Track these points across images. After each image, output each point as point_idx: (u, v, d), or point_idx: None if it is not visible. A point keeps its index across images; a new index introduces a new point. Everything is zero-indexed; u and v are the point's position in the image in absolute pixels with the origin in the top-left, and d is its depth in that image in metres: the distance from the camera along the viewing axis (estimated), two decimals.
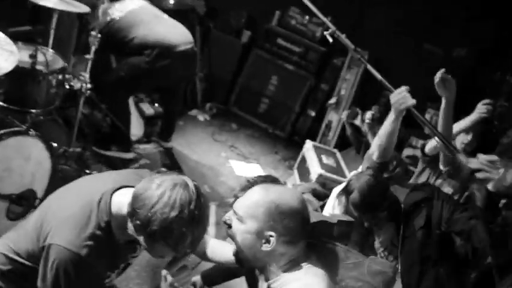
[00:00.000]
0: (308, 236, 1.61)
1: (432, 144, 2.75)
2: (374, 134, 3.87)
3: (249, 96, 5.57)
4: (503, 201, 2.27)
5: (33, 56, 2.88)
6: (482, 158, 2.15)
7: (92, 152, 3.81)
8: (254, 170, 4.64)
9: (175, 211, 1.45)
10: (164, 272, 1.82)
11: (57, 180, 2.72)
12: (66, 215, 1.60)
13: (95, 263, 1.57)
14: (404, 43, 4.97)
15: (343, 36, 2.40)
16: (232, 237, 1.57)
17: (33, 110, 2.99)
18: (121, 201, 1.60)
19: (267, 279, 1.60)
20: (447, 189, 2.71)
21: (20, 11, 3.61)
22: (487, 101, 2.81)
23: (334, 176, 4.20)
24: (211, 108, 5.46)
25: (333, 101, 5.11)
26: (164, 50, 3.63)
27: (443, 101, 2.48)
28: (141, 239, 1.53)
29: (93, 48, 3.29)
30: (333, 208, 3.04)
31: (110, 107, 3.79)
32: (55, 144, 3.05)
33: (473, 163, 2.20)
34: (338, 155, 4.71)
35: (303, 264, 1.56)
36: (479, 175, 2.16)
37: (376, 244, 2.54)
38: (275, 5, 5.42)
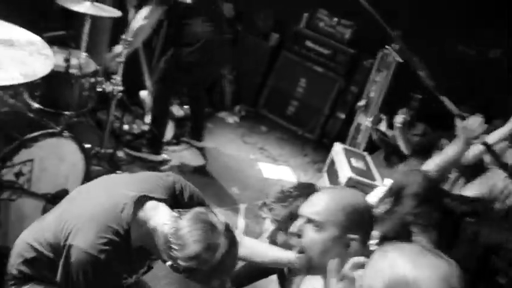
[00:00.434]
0: None
1: (473, 151, 2.62)
2: (406, 140, 3.81)
3: (278, 99, 5.57)
4: None
5: (67, 60, 2.94)
6: None
7: (124, 154, 3.87)
8: (283, 172, 4.63)
9: (201, 263, 1.52)
10: None
11: (90, 180, 2.76)
12: (88, 218, 1.66)
13: (112, 267, 1.63)
14: (438, 44, 4.88)
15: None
16: (306, 247, 1.55)
17: (67, 113, 3.05)
18: (147, 216, 1.66)
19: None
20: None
21: (54, 16, 3.70)
22: None
23: (364, 180, 4.14)
24: (240, 110, 5.48)
25: (362, 103, 5.04)
26: (207, 43, 3.70)
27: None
28: (168, 264, 1.59)
29: (125, 52, 3.34)
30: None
31: (152, 107, 3.89)
32: (88, 146, 3.11)
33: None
34: (368, 158, 4.65)
35: None
36: None
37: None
38: (303, 7, 5.41)
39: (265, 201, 1.66)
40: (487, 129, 2.41)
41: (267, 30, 5.54)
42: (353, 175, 4.14)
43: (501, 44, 4.83)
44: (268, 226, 2.14)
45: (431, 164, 2.38)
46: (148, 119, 4.21)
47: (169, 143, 4.32)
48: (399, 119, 3.85)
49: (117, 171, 3.54)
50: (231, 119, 5.30)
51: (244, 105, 5.55)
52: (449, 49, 4.95)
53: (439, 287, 1.05)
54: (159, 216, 1.65)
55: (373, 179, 4.22)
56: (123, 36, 3.37)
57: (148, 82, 4.31)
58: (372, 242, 1.66)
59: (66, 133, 2.51)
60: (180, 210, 1.65)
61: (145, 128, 4.18)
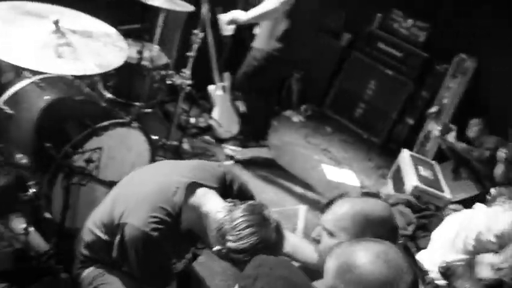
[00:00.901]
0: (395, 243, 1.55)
1: None
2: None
3: (345, 100, 5.46)
4: None
5: (140, 52, 3.02)
6: None
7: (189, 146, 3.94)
8: (346, 175, 4.53)
9: (254, 254, 1.51)
10: None
11: None
12: (141, 198, 1.76)
13: (162, 245, 1.71)
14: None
15: None
16: (322, 253, 1.58)
17: (137, 103, 3.14)
18: (199, 201, 1.73)
19: None
20: None
21: (130, 10, 3.81)
22: None
23: (431, 190, 3.99)
24: (306, 109, 5.42)
25: (433, 110, 4.85)
26: (291, 39, 3.70)
27: None
28: (217, 250, 1.64)
29: (195, 47, 3.39)
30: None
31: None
32: (155, 137, 3.18)
33: None
34: (436, 167, 4.47)
35: None
36: None
37: None
38: (376, 8, 5.27)
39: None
40: None
41: (338, 29, 5.43)
42: (419, 184, 4.00)
43: None
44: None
45: None
46: (215, 113, 4.26)
47: (235, 138, 4.34)
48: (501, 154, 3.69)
49: None
50: (296, 118, 5.26)
51: (310, 105, 5.48)
52: None
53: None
54: (212, 203, 1.72)
55: (441, 189, 4.05)
56: (195, 31, 3.41)
57: (216, 77, 4.35)
58: None
59: (134, 124, 2.57)
60: (234, 200, 1.71)
61: (212, 122, 4.23)
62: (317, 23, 4.09)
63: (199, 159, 3.80)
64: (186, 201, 1.74)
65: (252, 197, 1.96)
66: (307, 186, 4.14)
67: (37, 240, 2.55)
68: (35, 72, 2.56)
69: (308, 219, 3.62)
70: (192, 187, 1.77)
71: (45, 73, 2.58)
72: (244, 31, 4.29)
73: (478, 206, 3.16)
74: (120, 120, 2.54)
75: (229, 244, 1.59)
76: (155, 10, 3.22)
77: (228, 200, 1.73)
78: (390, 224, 1.55)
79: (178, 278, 1.90)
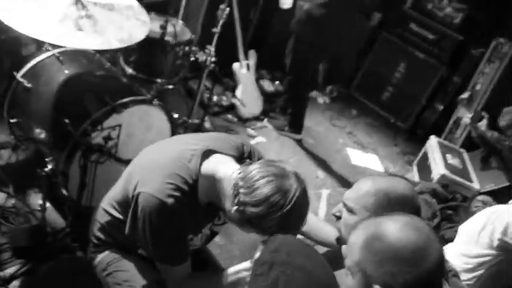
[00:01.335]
0: None
1: None
2: None
3: (373, 82, 5.27)
4: None
5: (163, 27, 2.93)
6: None
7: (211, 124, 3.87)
8: (371, 160, 4.41)
9: (272, 206, 1.45)
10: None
11: None
12: (155, 166, 1.65)
13: (179, 213, 1.58)
14: None
15: None
16: (341, 229, 1.57)
17: (159, 80, 3.05)
18: (214, 167, 1.62)
19: None
20: None
21: None
22: None
23: (459, 179, 3.85)
24: (331, 91, 5.26)
25: (465, 95, 4.65)
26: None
27: None
28: (233, 213, 1.53)
29: (220, 22, 3.28)
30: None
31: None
32: (176, 115, 3.11)
33: None
34: (465, 155, 4.30)
35: None
36: None
37: None
38: None
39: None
40: None
41: (372, 7, 5.21)
42: (447, 172, 3.86)
43: None
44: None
45: None
46: (239, 92, 4.16)
47: (257, 119, 4.26)
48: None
49: None
50: (321, 99, 5.11)
51: (336, 86, 5.32)
52: None
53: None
54: (227, 166, 1.61)
55: (469, 179, 3.91)
56: (221, 7, 3.29)
57: (241, 55, 4.24)
58: None
59: (155, 101, 2.50)
60: (249, 160, 1.63)
61: (235, 101, 4.14)
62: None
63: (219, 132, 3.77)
64: (201, 168, 1.63)
65: None
66: (330, 170, 4.02)
67: (53, 216, 2.54)
68: (55, 46, 2.49)
69: (330, 204, 3.53)
70: (207, 153, 1.66)
71: (66, 46, 2.50)
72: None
73: None
74: (141, 98, 2.47)
75: (243, 198, 1.47)
76: None
77: (246, 161, 1.64)
78: (412, 203, 1.50)
79: (194, 257, 1.76)
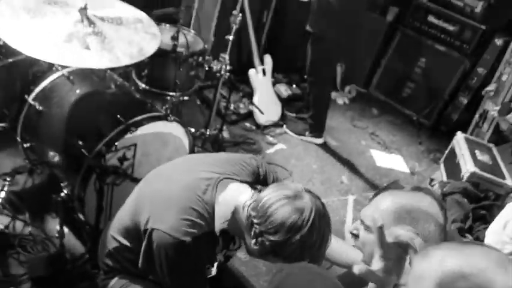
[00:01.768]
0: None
1: None
2: None
3: (393, 80, 5.11)
4: None
5: (174, 38, 2.84)
6: None
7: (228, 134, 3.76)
8: (396, 161, 4.25)
9: (290, 229, 1.38)
10: None
11: None
12: (167, 199, 1.55)
13: (198, 251, 1.51)
14: None
15: None
16: (361, 249, 1.43)
17: (173, 93, 2.96)
18: (231, 198, 1.54)
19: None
20: None
21: None
22: None
23: (491, 176, 3.66)
24: (350, 91, 5.13)
25: (491, 87, 4.46)
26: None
27: None
28: (253, 246, 1.46)
29: (234, 28, 3.18)
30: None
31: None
32: (193, 130, 3.01)
33: None
34: (494, 150, 4.12)
35: None
36: None
37: None
38: None
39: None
40: None
41: (385, 3, 5.06)
42: (477, 170, 3.68)
43: None
44: None
45: None
46: (256, 98, 4.05)
47: (276, 125, 4.14)
48: None
49: None
50: (341, 100, 4.97)
51: (355, 86, 5.18)
52: None
53: (496, 273, 0.92)
54: (243, 196, 1.53)
55: (502, 176, 3.72)
56: (234, 12, 3.20)
57: (256, 60, 4.13)
58: None
59: (170, 117, 2.40)
60: (260, 186, 1.55)
61: (253, 108, 4.03)
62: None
63: (239, 148, 3.67)
64: (218, 199, 1.54)
65: None
66: (355, 174, 3.89)
67: (73, 242, 2.46)
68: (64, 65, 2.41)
69: (357, 210, 3.40)
70: (223, 183, 1.57)
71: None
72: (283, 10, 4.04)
73: None
74: (155, 114, 2.38)
75: (260, 228, 1.41)
76: None
77: (257, 186, 1.56)
78: (435, 221, 1.36)
79: (210, 282, 1.69)
